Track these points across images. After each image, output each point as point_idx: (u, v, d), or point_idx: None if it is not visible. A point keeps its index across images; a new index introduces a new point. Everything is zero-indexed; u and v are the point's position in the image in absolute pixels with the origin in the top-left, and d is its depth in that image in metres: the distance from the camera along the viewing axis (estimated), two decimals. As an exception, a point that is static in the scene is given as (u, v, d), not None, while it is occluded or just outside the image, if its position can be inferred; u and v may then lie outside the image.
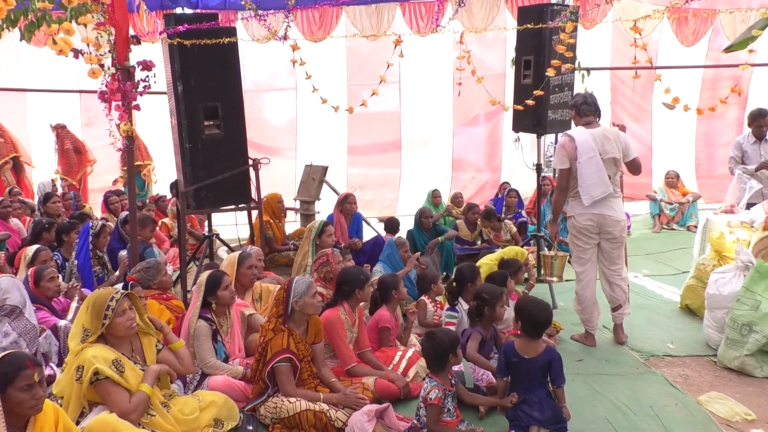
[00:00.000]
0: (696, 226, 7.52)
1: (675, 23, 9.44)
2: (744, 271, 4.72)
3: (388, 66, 5.95)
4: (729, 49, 4.35)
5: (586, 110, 4.84)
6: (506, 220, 7.64)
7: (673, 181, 9.48)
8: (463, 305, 4.73)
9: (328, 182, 8.14)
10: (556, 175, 5.26)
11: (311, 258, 5.82)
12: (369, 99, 6.14)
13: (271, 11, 5.26)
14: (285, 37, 5.26)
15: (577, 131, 4.83)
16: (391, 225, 7.23)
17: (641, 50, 5.21)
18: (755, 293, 4.44)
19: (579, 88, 9.31)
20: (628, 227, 8.29)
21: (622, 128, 5.10)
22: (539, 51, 5.94)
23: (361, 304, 4.47)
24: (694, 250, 6.15)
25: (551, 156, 11.95)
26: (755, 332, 4.37)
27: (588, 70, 9.57)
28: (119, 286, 4.16)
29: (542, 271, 5.54)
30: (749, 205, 5.95)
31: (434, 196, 8.55)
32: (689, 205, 9.25)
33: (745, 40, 4.19)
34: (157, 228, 7.44)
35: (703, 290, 5.15)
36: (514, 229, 7.55)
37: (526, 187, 9.88)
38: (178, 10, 8.37)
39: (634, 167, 4.91)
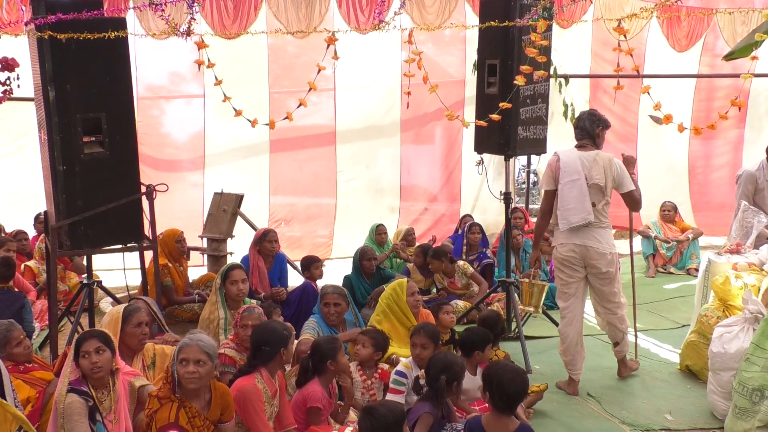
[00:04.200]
0: (697, 269, 7.74)
1: (666, 24, 9.85)
2: (753, 324, 4.87)
3: (320, 70, 5.99)
4: (730, 57, 4.58)
5: (578, 134, 5.43)
6: (459, 261, 7.71)
7: (669, 214, 9.70)
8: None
9: (244, 215, 8.08)
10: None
11: (223, 312, 5.72)
12: (295, 111, 6.15)
13: (171, -1, 5.24)
14: (189, 33, 5.24)
15: (565, 152, 5.40)
16: (307, 265, 7.21)
17: (626, 55, 5.41)
18: (767, 351, 4.56)
19: (556, 99, 9.62)
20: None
21: (630, 159, 5.59)
22: (506, 54, 6.09)
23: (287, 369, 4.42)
24: (696, 298, 6.33)
25: (523, 183, 12.24)
26: (768, 398, 4.49)
27: (566, 77, 9.89)
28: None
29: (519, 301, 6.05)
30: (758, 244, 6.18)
31: (378, 233, 8.58)
32: (689, 243, 9.48)
33: (748, 46, 4.43)
34: (19, 273, 7.24)
35: (706, 348, 5.29)
36: (470, 270, 7.61)
37: (493, 220, 10.03)
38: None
39: (632, 201, 5.46)
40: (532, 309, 5.90)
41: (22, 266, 7.52)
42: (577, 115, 9.79)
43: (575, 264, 5.41)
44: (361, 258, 7.41)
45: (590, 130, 5.41)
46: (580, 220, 5.24)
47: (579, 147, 5.41)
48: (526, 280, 5.89)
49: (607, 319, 5.58)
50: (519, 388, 3.65)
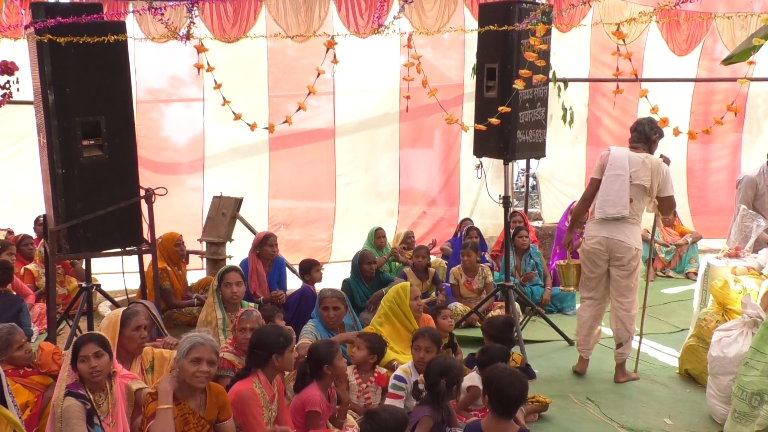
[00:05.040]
0: (696, 273, 7.76)
1: (665, 28, 9.87)
2: (752, 328, 4.87)
3: (319, 74, 5.99)
4: (729, 61, 4.59)
5: (636, 137, 5.74)
6: (483, 264, 7.72)
7: (668, 218, 9.74)
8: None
9: (243, 219, 8.08)
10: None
11: (220, 313, 5.73)
12: (295, 114, 6.15)
13: (171, 3, 5.25)
14: (188, 36, 5.25)
15: (618, 148, 5.77)
16: (307, 268, 7.21)
17: (625, 59, 5.41)
18: (766, 355, 4.54)
19: (555, 103, 9.63)
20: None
21: (666, 161, 5.92)
22: (505, 58, 6.10)
23: (286, 374, 4.40)
24: (695, 302, 6.34)
25: (522, 186, 12.24)
26: (767, 402, 4.49)
27: (565, 81, 9.90)
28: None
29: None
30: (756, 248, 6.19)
31: (377, 236, 8.57)
32: (688, 247, 9.51)
33: (746, 50, 4.45)
34: (18, 277, 7.23)
35: (706, 352, 5.30)
36: (491, 278, 7.63)
37: (491, 224, 10.02)
38: (51, -1, 8.27)
39: (667, 205, 5.85)
40: (571, 288, 6.19)
41: (22, 269, 7.53)
42: (576, 118, 9.93)
43: (600, 258, 5.76)
44: (361, 262, 7.40)
45: (649, 134, 5.70)
46: (615, 213, 5.60)
47: (632, 148, 5.73)
48: (562, 262, 6.17)
49: (619, 315, 5.79)
50: (518, 392, 3.64)
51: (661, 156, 5.91)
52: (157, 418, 3.74)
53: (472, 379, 4.85)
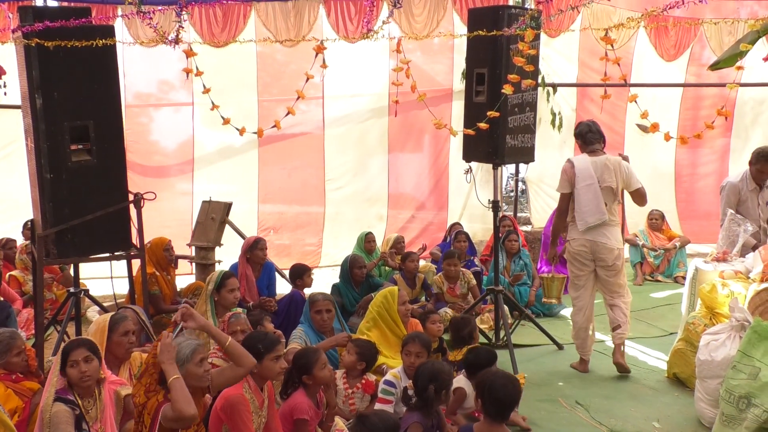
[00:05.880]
0: (684, 277, 7.79)
1: (654, 34, 9.93)
2: (740, 332, 4.90)
3: (308, 78, 6.00)
4: (716, 66, 4.61)
5: (592, 138, 5.98)
6: (463, 269, 7.73)
7: (657, 222, 9.78)
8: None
9: (232, 223, 8.06)
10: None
11: (212, 319, 5.71)
12: (284, 119, 6.15)
13: (159, 7, 5.23)
14: (177, 41, 5.24)
15: (578, 158, 6.00)
16: (298, 273, 7.20)
17: (613, 64, 5.44)
18: (753, 358, 4.59)
19: (544, 108, 9.66)
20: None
21: (625, 158, 6.10)
22: (494, 63, 6.12)
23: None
24: (683, 306, 6.37)
25: (511, 191, 12.27)
26: (755, 406, 4.49)
27: (554, 86, 9.93)
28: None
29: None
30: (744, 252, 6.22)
31: (367, 241, 8.57)
32: (676, 251, 9.56)
33: (733, 56, 4.46)
34: (5, 282, 7.20)
35: (694, 355, 5.32)
36: (473, 282, 7.64)
37: (480, 228, 10.04)
38: (39, 2, 8.23)
39: (639, 197, 6.03)
40: (554, 301, 6.54)
41: (7, 276, 7.48)
42: (564, 123, 9.96)
43: (585, 258, 6.00)
44: (351, 266, 7.39)
45: (601, 132, 6.03)
46: (596, 220, 5.84)
47: (590, 152, 5.97)
48: (547, 274, 6.51)
49: (614, 302, 6.04)
50: (511, 395, 3.64)
51: (620, 154, 6.15)
52: (173, 389, 3.69)
53: (459, 381, 4.85)
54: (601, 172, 5.87)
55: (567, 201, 6.04)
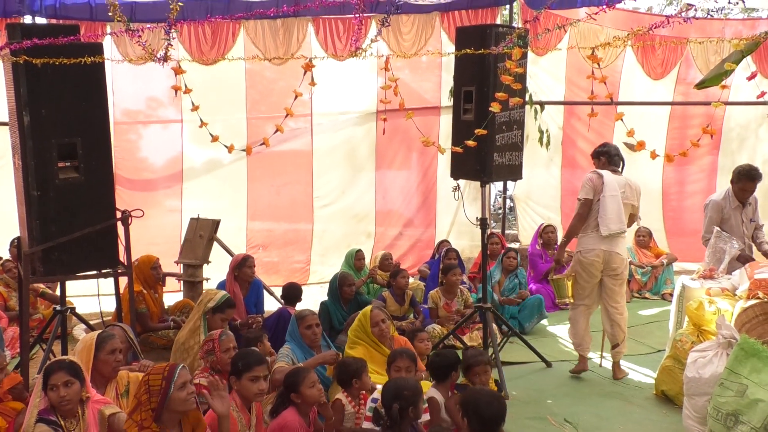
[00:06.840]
0: (672, 294, 7.81)
1: (641, 52, 10.03)
2: (727, 349, 4.91)
3: (297, 96, 6.01)
4: (701, 85, 4.65)
5: (618, 160, 6.37)
6: (462, 287, 7.74)
7: (644, 240, 9.85)
8: None
9: (220, 240, 8.04)
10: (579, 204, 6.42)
11: (202, 335, 5.67)
12: (273, 136, 6.16)
13: (148, 25, 5.24)
14: (166, 58, 5.25)
15: (605, 172, 6.24)
16: (291, 294, 7.16)
17: (600, 83, 5.48)
18: (740, 375, 4.60)
19: (531, 126, 9.71)
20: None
21: None
22: (482, 81, 6.14)
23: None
24: (670, 323, 6.39)
25: (499, 208, 12.30)
26: (742, 423, 4.50)
27: (541, 104, 9.99)
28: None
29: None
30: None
31: (357, 258, 8.56)
32: (663, 268, 9.60)
33: (718, 75, 4.51)
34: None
35: (681, 372, 5.32)
36: (471, 300, 7.65)
37: (468, 245, 10.05)
38: (27, 19, 8.22)
39: (633, 219, 6.53)
40: (567, 300, 6.82)
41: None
42: (552, 141, 10.02)
43: (596, 269, 6.29)
44: (341, 284, 7.37)
45: (622, 158, 6.42)
46: (617, 228, 6.16)
47: (614, 171, 6.30)
48: (557, 276, 6.65)
49: (614, 318, 6.34)
50: (497, 412, 3.63)
51: None
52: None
53: (429, 392, 4.82)
54: (623, 189, 6.24)
55: (589, 207, 6.24)
